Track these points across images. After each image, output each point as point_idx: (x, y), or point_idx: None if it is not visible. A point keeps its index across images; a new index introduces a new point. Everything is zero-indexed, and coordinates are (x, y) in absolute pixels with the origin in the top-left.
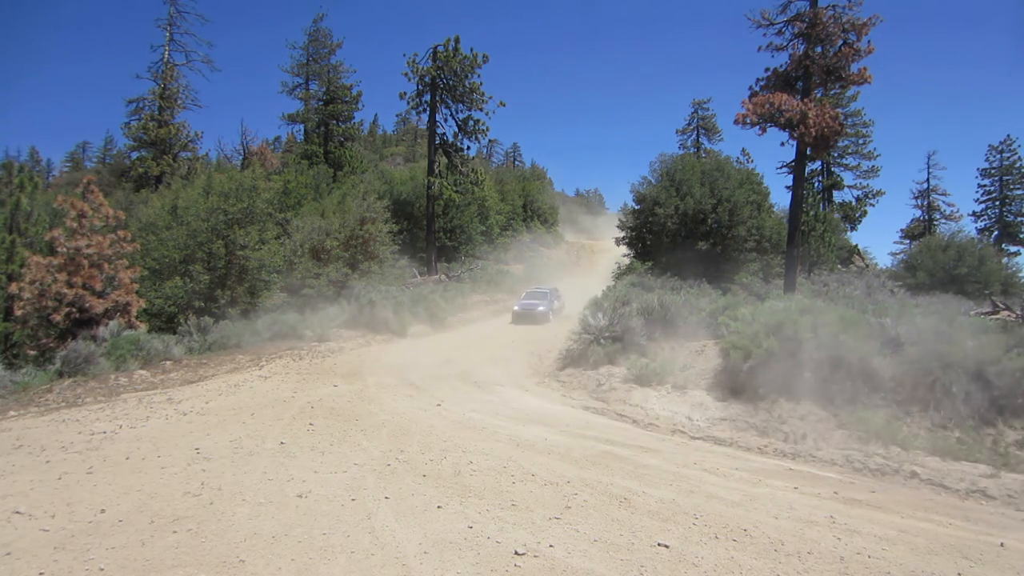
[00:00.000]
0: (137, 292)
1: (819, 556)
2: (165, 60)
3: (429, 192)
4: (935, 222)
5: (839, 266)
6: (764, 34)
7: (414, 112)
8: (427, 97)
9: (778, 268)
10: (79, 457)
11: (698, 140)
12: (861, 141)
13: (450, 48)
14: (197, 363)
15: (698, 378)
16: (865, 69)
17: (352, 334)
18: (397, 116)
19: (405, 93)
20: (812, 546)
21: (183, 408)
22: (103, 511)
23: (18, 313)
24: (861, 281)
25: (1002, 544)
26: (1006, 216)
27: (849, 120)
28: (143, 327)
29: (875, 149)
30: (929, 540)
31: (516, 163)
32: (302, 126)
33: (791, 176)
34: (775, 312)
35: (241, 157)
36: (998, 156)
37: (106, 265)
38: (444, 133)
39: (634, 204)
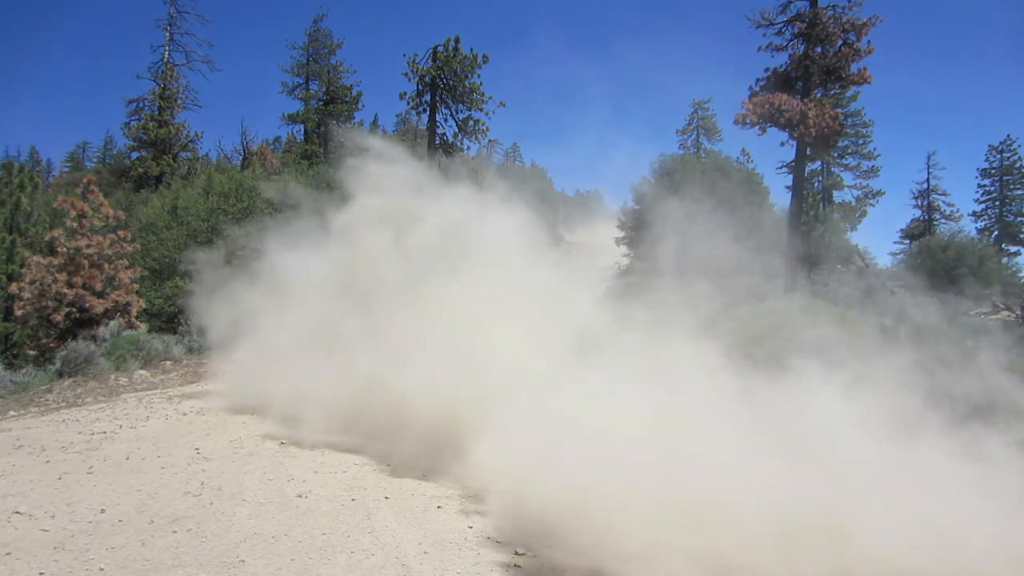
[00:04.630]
0: (137, 292)
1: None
2: (165, 60)
3: None
4: (935, 222)
5: (839, 266)
6: (764, 34)
7: (414, 112)
8: (427, 97)
9: (778, 268)
10: (79, 457)
11: (698, 140)
12: (861, 141)
13: (450, 48)
14: (197, 363)
15: None
16: (865, 69)
17: None
18: (397, 116)
19: (405, 93)
20: None
21: (183, 408)
22: (103, 511)
23: (18, 313)
24: (861, 281)
25: None
26: (1006, 216)
27: (849, 120)
28: (143, 327)
29: (875, 149)
30: None
31: (516, 163)
32: (302, 126)
33: (791, 176)
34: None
35: (241, 157)
36: (998, 156)
37: (106, 265)
38: (444, 133)
39: (634, 204)
